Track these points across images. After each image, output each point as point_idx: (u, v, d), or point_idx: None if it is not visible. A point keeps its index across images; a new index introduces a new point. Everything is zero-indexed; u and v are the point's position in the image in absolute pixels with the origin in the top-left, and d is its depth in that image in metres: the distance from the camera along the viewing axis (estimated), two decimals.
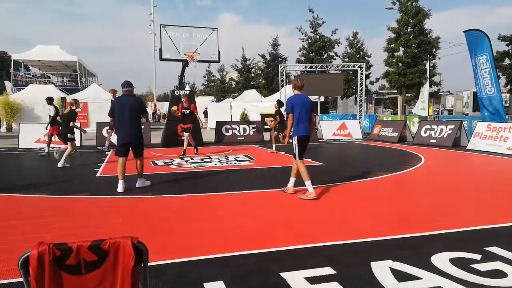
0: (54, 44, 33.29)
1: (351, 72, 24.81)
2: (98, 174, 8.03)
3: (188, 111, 10.85)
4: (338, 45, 27.53)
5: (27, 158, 11.10)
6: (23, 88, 28.18)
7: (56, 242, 1.48)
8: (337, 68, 22.91)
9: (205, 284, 2.86)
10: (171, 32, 14.64)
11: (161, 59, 14.71)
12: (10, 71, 33.38)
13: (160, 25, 14.69)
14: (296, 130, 5.78)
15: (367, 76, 25.44)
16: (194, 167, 8.98)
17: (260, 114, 22.31)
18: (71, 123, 9.22)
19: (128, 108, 6.31)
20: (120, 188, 6.29)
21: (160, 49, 14.60)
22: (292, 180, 6.00)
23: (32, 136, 13.41)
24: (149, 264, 1.59)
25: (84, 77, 36.57)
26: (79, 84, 33.38)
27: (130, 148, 6.56)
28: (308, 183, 5.67)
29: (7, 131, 21.82)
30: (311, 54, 27.20)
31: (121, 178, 6.37)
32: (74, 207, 5.34)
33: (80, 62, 33.65)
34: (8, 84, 30.68)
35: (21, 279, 1.45)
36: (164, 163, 9.48)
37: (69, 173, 8.57)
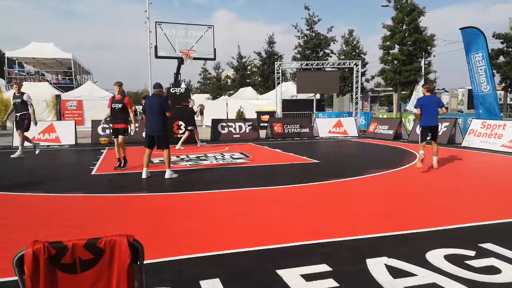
0: (49, 41, 33.06)
1: (346, 69, 24.86)
2: (93, 172, 8.00)
3: (120, 106, 8.06)
4: (334, 43, 27.61)
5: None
6: None
7: (51, 240, 1.47)
8: (332, 66, 22.93)
9: (201, 282, 2.86)
10: (167, 30, 14.56)
11: (157, 56, 14.63)
12: (4, 68, 33.07)
13: (156, 22, 14.59)
14: (421, 121, 8.17)
15: (363, 74, 25.49)
16: (190, 165, 8.97)
17: (256, 112, 22.33)
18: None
19: (154, 106, 7.17)
20: (144, 175, 7.20)
21: (156, 47, 14.51)
22: (420, 153, 7.88)
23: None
24: (145, 262, 1.59)
25: (79, 75, 36.27)
26: (74, 82, 33.13)
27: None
28: (420, 153, 7.90)
29: (1, 129, 21.62)
30: (307, 52, 27.23)
31: (145, 166, 7.28)
32: (69, 206, 5.32)
33: (75, 60, 33.40)
34: (1, 82, 30.38)
35: (16, 278, 1.44)
36: (159, 160, 9.45)
37: (64, 171, 8.53)
